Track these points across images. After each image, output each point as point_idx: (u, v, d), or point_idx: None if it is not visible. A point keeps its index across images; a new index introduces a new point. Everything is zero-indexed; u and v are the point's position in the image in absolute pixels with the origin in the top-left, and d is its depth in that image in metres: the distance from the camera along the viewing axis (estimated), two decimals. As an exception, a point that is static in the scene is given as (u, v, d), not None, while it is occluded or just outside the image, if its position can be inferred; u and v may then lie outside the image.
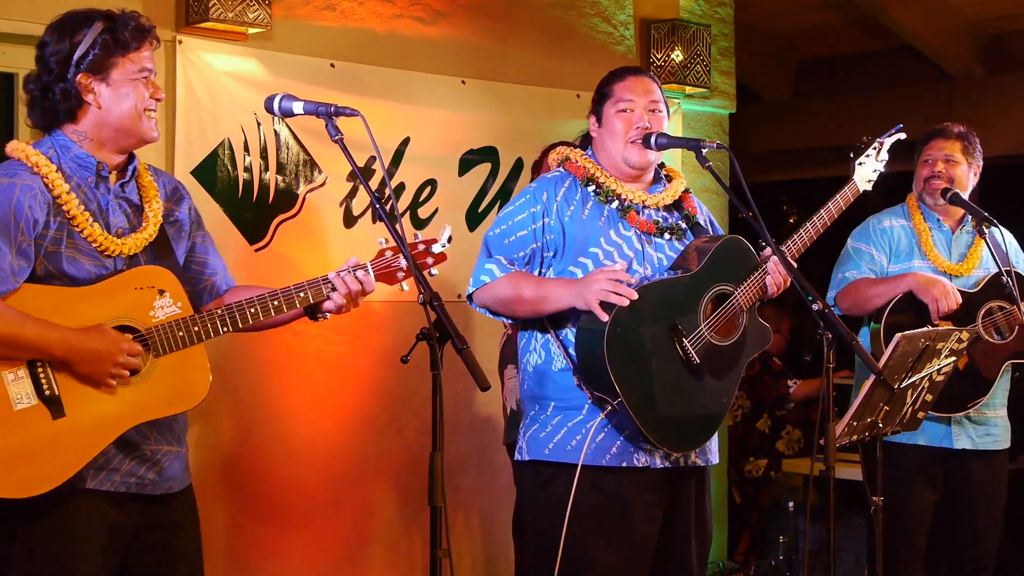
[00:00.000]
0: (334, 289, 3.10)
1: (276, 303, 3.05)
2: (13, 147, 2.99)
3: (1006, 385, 4.55)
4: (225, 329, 3.01)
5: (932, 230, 4.57)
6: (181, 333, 2.95)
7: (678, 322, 3.45)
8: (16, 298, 2.84)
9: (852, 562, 5.57)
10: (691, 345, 3.45)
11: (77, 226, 2.93)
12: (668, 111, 3.68)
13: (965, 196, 4.52)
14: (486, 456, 5.31)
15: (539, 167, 4.67)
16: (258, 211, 4.71)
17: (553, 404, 3.54)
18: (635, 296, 3.34)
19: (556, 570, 3.41)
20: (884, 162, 3.91)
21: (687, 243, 3.64)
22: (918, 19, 7.62)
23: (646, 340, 3.42)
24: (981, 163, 4.63)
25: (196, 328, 2.97)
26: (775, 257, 3.52)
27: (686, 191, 3.74)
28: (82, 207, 2.94)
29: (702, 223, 3.71)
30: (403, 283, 3.17)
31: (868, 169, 3.89)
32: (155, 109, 3.05)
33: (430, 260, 3.20)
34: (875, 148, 3.90)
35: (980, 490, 4.51)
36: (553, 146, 4.74)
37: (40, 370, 2.84)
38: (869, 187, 3.90)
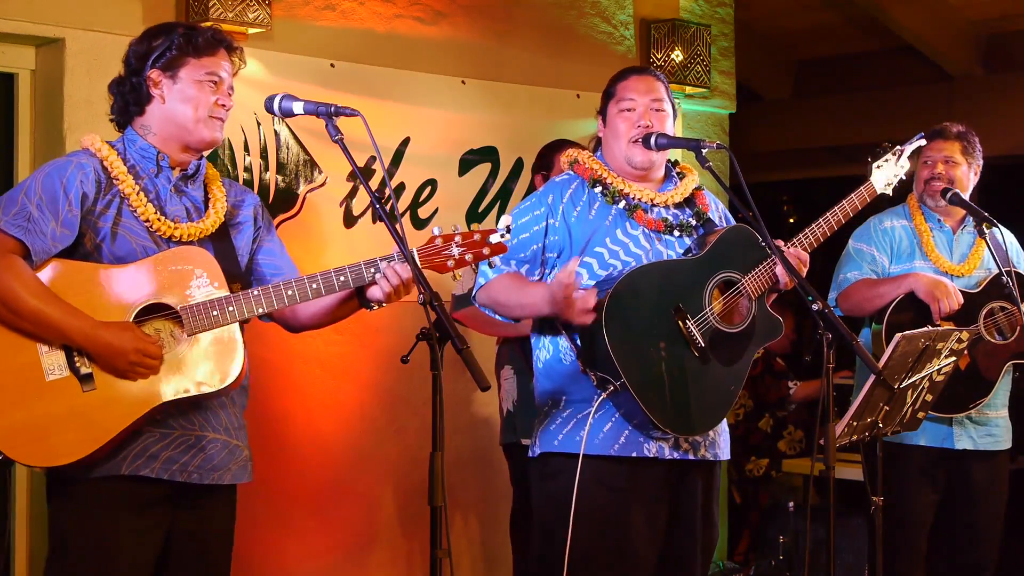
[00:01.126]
0: (377, 272, 3.05)
1: (315, 286, 3.03)
2: (86, 137, 3.10)
3: (1007, 385, 4.55)
4: (260, 310, 3.01)
5: (933, 231, 4.57)
6: (215, 312, 2.97)
7: (683, 305, 3.45)
8: (55, 271, 2.91)
9: (852, 562, 5.56)
10: (696, 328, 3.45)
11: (131, 205, 3.00)
12: (674, 110, 3.67)
13: (966, 196, 4.52)
14: (486, 456, 5.31)
15: (548, 166, 4.65)
16: (258, 211, 4.71)
17: (565, 399, 3.54)
18: (590, 306, 3.30)
19: (565, 566, 3.40)
20: (904, 169, 3.92)
21: (714, 228, 3.64)
22: (918, 19, 7.62)
23: (648, 320, 3.41)
24: (981, 162, 4.63)
25: (231, 308, 2.98)
26: (787, 248, 3.52)
27: (698, 188, 3.72)
28: (138, 187, 3.02)
29: (715, 220, 3.69)
30: (455, 272, 3.09)
31: (887, 173, 3.89)
32: (221, 116, 3.10)
33: (486, 251, 3.06)
34: (895, 154, 3.90)
35: (981, 490, 4.51)
36: (553, 144, 4.75)
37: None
38: (888, 190, 3.89)
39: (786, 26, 8.35)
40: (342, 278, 3.04)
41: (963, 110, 7.51)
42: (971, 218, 4.52)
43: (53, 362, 2.89)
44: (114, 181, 3.00)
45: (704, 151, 3.51)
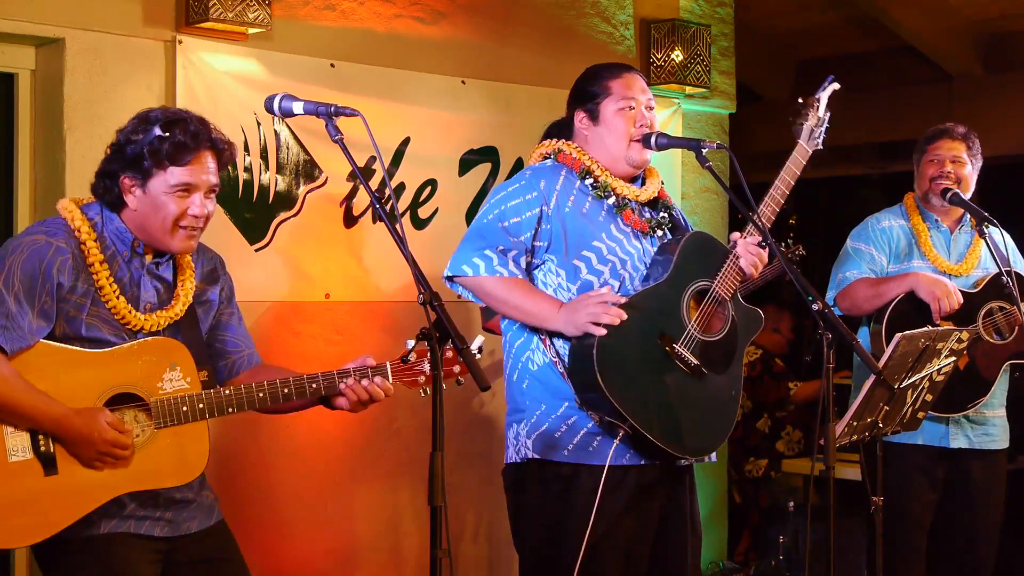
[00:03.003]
0: (346, 382, 3.12)
1: (287, 391, 3.05)
2: (63, 205, 3.03)
3: (1005, 385, 4.56)
4: (231, 410, 3.01)
5: (930, 230, 4.58)
6: (185, 408, 2.96)
7: (665, 330, 3.42)
8: (27, 353, 2.87)
9: (852, 562, 5.56)
10: (684, 349, 3.44)
11: (103, 297, 2.95)
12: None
13: (968, 196, 4.53)
14: (486, 456, 5.31)
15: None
16: (258, 211, 4.71)
17: (566, 404, 3.48)
18: (624, 316, 3.31)
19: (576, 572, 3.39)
20: (827, 118, 3.71)
21: (667, 240, 3.60)
22: (918, 19, 7.61)
23: (638, 357, 3.38)
24: (980, 164, 4.64)
25: (201, 405, 2.98)
26: (740, 240, 3.48)
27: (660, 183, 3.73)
28: (111, 279, 2.97)
29: (676, 216, 3.70)
30: (423, 388, 3.16)
31: (810, 127, 3.68)
32: (193, 226, 3.02)
33: (456, 368, 3.22)
34: (811, 105, 3.71)
35: (979, 489, 4.52)
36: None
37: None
38: (819, 144, 3.67)
39: (786, 26, 8.34)
40: (314, 385, 3.09)
41: (963, 110, 7.50)
42: (969, 217, 4.53)
43: (17, 443, 2.85)
44: (88, 268, 2.95)
45: (704, 151, 3.51)
